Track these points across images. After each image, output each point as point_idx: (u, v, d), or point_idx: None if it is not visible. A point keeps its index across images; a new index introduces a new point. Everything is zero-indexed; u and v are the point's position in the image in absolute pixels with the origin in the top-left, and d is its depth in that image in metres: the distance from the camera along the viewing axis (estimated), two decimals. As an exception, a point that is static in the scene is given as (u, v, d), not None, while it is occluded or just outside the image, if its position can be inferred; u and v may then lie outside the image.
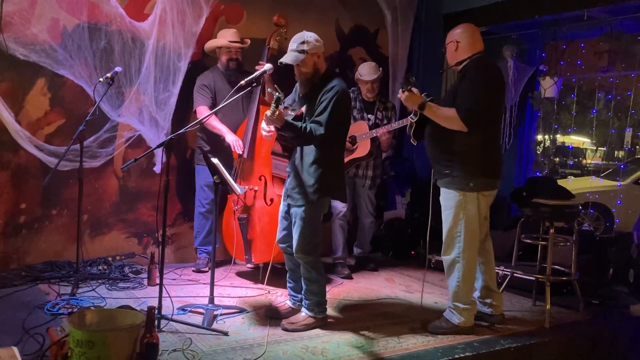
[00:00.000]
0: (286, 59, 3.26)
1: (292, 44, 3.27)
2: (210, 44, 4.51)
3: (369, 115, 4.74)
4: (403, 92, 3.30)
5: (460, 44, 3.37)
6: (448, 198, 3.37)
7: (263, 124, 3.36)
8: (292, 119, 3.27)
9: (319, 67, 3.32)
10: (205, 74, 4.49)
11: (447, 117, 3.25)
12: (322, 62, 3.34)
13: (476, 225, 3.37)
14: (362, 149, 4.60)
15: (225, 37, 4.45)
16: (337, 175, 3.42)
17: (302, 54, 3.23)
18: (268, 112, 3.10)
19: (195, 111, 4.42)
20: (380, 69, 4.74)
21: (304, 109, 3.38)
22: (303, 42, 3.23)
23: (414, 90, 3.30)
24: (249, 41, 4.54)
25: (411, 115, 3.48)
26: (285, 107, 3.37)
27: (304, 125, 3.20)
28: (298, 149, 3.37)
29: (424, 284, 4.11)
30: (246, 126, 4.32)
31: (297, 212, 3.33)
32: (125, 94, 4.25)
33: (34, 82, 4.11)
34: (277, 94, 3.06)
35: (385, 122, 4.70)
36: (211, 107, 4.35)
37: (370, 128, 4.63)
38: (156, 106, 4.31)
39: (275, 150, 3.59)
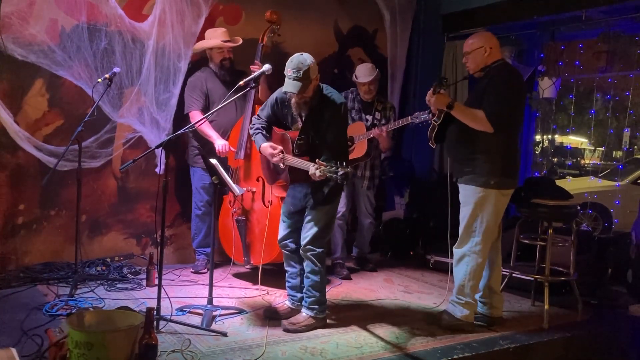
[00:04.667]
0: (290, 88, 3.19)
1: (294, 72, 3.17)
2: (201, 45, 4.43)
3: (367, 116, 4.74)
4: (434, 94, 3.41)
5: (492, 50, 3.47)
6: (468, 194, 3.44)
7: (271, 152, 3.37)
8: (297, 144, 3.32)
9: (317, 89, 3.33)
10: (195, 74, 4.45)
11: (475, 117, 3.35)
12: (318, 82, 3.34)
13: (493, 222, 3.45)
14: (359, 150, 4.59)
15: (216, 37, 4.38)
16: None
17: (307, 81, 3.18)
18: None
19: (188, 114, 4.38)
20: (377, 70, 4.72)
21: (300, 132, 3.37)
22: (307, 70, 3.16)
23: (443, 91, 3.42)
24: (240, 39, 4.51)
25: (434, 117, 3.55)
26: (295, 131, 3.40)
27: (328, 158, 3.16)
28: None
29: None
30: (242, 126, 4.31)
31: (318, 211, 3.37)
32: (127, 94, 4.24)
33: (33, 82, 4.10)
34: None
35: (383, 122, 4.70)
36: (204, 109, 4.33)
37: (368, 129, 4.62)
38: (157, 107, 4.31)
39: (290, 178, 3.45)
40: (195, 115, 4.29)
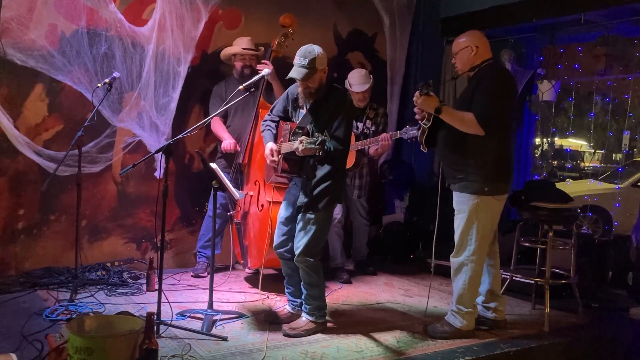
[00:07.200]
0: (295, 74, 3.22)
1: (301, 59, 3.21)
2: (226, 52, 4.53)
3: (358, 123, 4.68)
4: (421, 95, 3.28)
5: (479, 48, 3.38)
6: (462, 202, 3.37)
7: (267, 153, 3.40)
8: (294, 132, 3.30)
9: (323, 82, 3.34)
10: (219, 83, 4.54)
11: (464, 120, 3.25)
12: (325, 76, 3.35)
13: (488, 229, 3.40)
14: (348, 161, 4.52)
15: (240, 45, 4.47)
16: (343, 181, 3.53)
17: (312, 70, 3.21)
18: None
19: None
20: (371, 76, 4.64)
21: (300, 121, 3.37)
22: (314, 59, 3.19)
23: (432, 94, 3.30)
24: (262, 48, 4.55)
25: (424, 121, 3.45)
26: (296, 125, 3.38)
27: (328, 146, 3.14)
28: (310, 161, 3.35)
29: (429, 289, 4.11)
30: (244, 130, 4.32)
31: (311, 218, 3.32)
32: (127, 99, 4.25)
33: (32, 87, 4.11)
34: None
35: (373, 129, 4.65)
36: (223, 116, 4.46)
37: (357, 137, 4.56)
38: (156, 111, 4.32)
39: (283, 167, 3.47)
40: (215, 122, 4.43)
